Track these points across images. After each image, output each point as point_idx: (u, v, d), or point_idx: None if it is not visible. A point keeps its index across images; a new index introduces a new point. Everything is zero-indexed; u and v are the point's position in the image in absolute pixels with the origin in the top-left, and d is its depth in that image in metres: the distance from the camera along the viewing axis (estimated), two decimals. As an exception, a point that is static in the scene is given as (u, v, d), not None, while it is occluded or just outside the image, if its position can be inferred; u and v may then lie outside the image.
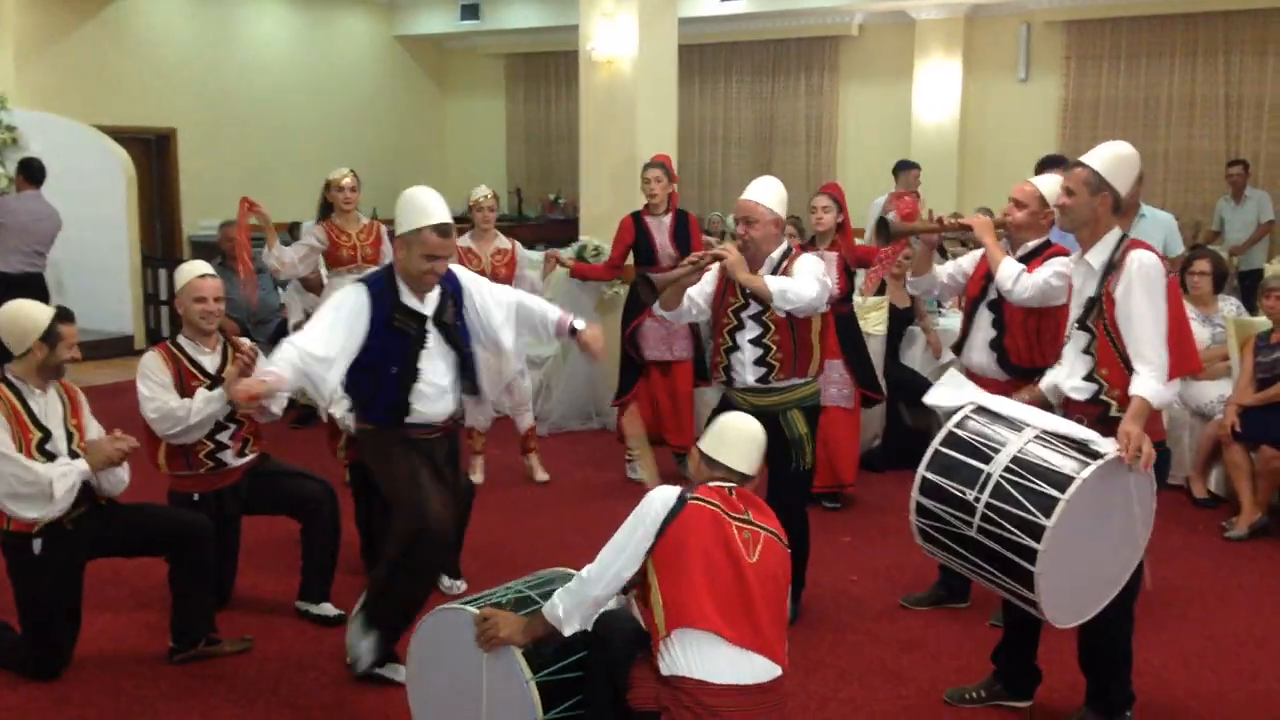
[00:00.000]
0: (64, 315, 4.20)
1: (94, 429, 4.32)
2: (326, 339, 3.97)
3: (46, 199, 9.12)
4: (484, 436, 6.86)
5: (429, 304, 4.16)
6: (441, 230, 4.02)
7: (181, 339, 4.64)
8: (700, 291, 4.58)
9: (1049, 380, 3.88)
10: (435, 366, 4.18)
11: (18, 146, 10.66)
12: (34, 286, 8.58)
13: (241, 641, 4.43)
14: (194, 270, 4.65)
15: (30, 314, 4.16)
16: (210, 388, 4.53)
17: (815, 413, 4.64)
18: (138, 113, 12.42)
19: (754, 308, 4.46)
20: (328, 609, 4.69)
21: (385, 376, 4.09)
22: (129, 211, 11.01)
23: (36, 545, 4.07)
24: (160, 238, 12.94)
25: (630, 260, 6.88)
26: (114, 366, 9.40)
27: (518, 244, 6.92)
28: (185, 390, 4.50)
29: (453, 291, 4.25)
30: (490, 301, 4.34)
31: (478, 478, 6.54)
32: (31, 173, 9.09)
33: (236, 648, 4.39)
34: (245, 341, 4.79)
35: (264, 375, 3.89)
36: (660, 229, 6.71)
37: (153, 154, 12.85)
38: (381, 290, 4.09)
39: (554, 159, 15.89)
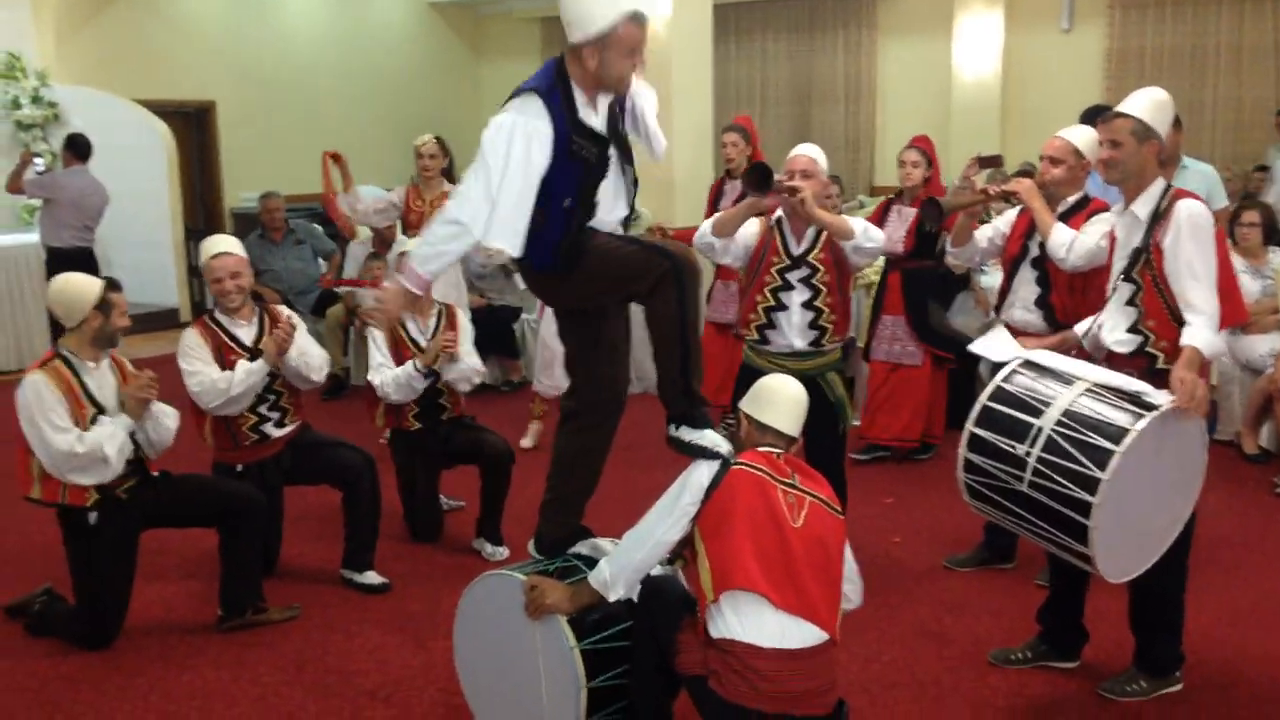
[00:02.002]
0: (113, 284, 4.25)
1: None
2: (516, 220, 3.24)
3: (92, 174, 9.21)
4: (545, 403, 6.83)
5: (602, 117, 3.35)
6: (639, 20, 3.21)
7: (218, 313, 4.68)
8: (743, 237, 4.53)
9: (1082, 327, 3.84)
10: (612, 198, 3.44)
11: (60, 122, 10.76)
12: (85, 261, 8.70)
13: (289, 610, 4.48)
14: (209, 250, 4.65)
15: (81, 285, 4.20)
16: (249, 359, 4.57)
17: (845, 372, 4.67)
18: (177, 86, 12.48)
19: (804, 269, 4.43)
20: (372, 577, 4.73)
21: (553, 213, 3.30)
22: (170, 185, 11.10)
23: (92, 517, 4.13)
24: (202, 210, 13.04)
25: None
26: (160, 339, 9.50)
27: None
28: (224, 363, 4.55)
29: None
30: (641, 92, 3.49)
31: (529, 442, 6.57)
32: (78, 148, 9.18)
33: (284, 616, 4.45)
34: (284, 311, 4.81)
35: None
36: (733, 192, 6.68)
37: (193, 127, 12.92)
38: (558, 106, 3.23)
39: (590, 123, 15.82)
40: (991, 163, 6.09)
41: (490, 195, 3.17)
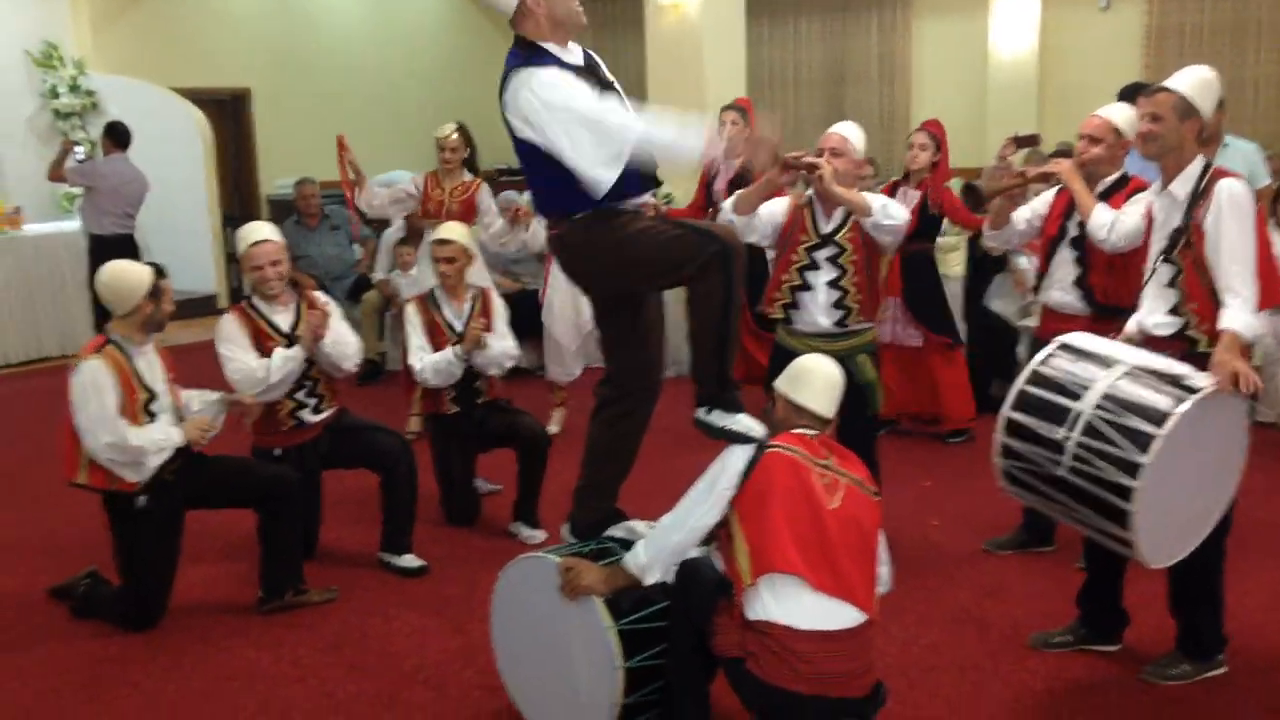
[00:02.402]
0: (161, 271, 4.31)
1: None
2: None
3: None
4: (564, 390, 6.85)
5: (579, 58, 3.45)
6: None
7: (255, 299, 4.71)
8: (769, 215, 4.51)
9: (1134, 323, 3.80)
10: None
11: (97, 111, 10.88)
12: (126, 247, 8.81)
13: (328, 592, 4.52)
14: (247, 238, 4.67)
15: (134, 273, 4.25)
16: (287, 346, 4.60)
17: (877, 355, 4.62)
18: (213, 74, 12.54)
19: (830, 248, 4.41)
20: (410, 560, 4.76)
21: None
22: (207, 172, 11.20)
23: (141, 500, 4.19)
24: (238, 197, 13.14)
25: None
26: (198, 326, 9.56)
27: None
28: (263, 350, 4.58)
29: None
30: None
31: (555, 428, 6.57)
32: (118, 136, 9.27)
33: (323, 598, 4.48)
34: (320, 296, 4.84)
35: None
36: (727, 171, 6.63)
37: (228, 115, 13.00)
38: (551, 59, 3.32)
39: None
40: (1028, 142, 6.02)
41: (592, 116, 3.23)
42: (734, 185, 6.52)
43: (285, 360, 4.54)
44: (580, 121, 3.23)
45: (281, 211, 10.91)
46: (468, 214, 6.58)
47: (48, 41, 10.77)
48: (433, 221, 6.57)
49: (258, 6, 13.03)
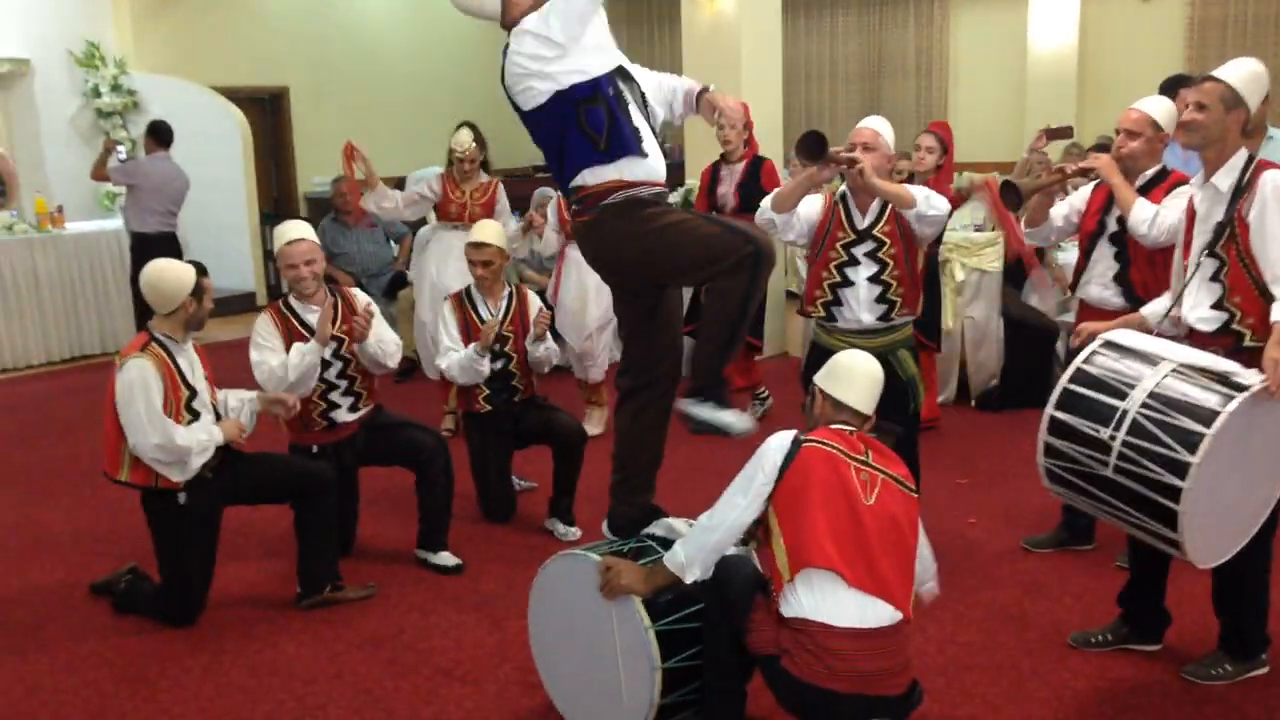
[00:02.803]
0: (202, 270, 4.34)
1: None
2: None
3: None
4: (592, 388, 6.85)
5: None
6: None
7: (291, 299, 4.74)
8: (806, 213, 4.48)
9: (1151, 309, 3.75)
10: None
11: (138, 110, 11.00)
12: (169, 245, 8.91)
13: (365, 588, 4.54)
14: (283, 236, 4.70)
15: (177, 272, 4.28)
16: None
17: (916, 351, 4.58)
18: (251, 73, 12.64)
19: (869, 243, 4.38)
20: (446, 558, 4.78)
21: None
22: (246, 171, 11.28)
23: (181, 497, 4.23)
24: (276, 195, 13.23)
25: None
26: (236, 323, 9.66)
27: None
28: None
29: None
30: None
31: (596, 429, 6.50)
32: (160, 135, 9.36)
33: (360, 594, 4.51)
34: (362, 299, 4.84)
35: None
36: (730, 176, 6.61)
37: (266, 113, 13.10)
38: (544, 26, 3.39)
39: (659, 102, 15.78)
40: (1061, 134, 5.94)
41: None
42: (742, 189, 6.51)
43: (302, 356, 4.55)
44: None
45: (317, 208, 10.98)
46: (489, 215, 6.63)
47: (90, 41, 10.90)
48: (453, 224, 6.63)
49: (296, 6, 13.12)
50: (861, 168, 4.20)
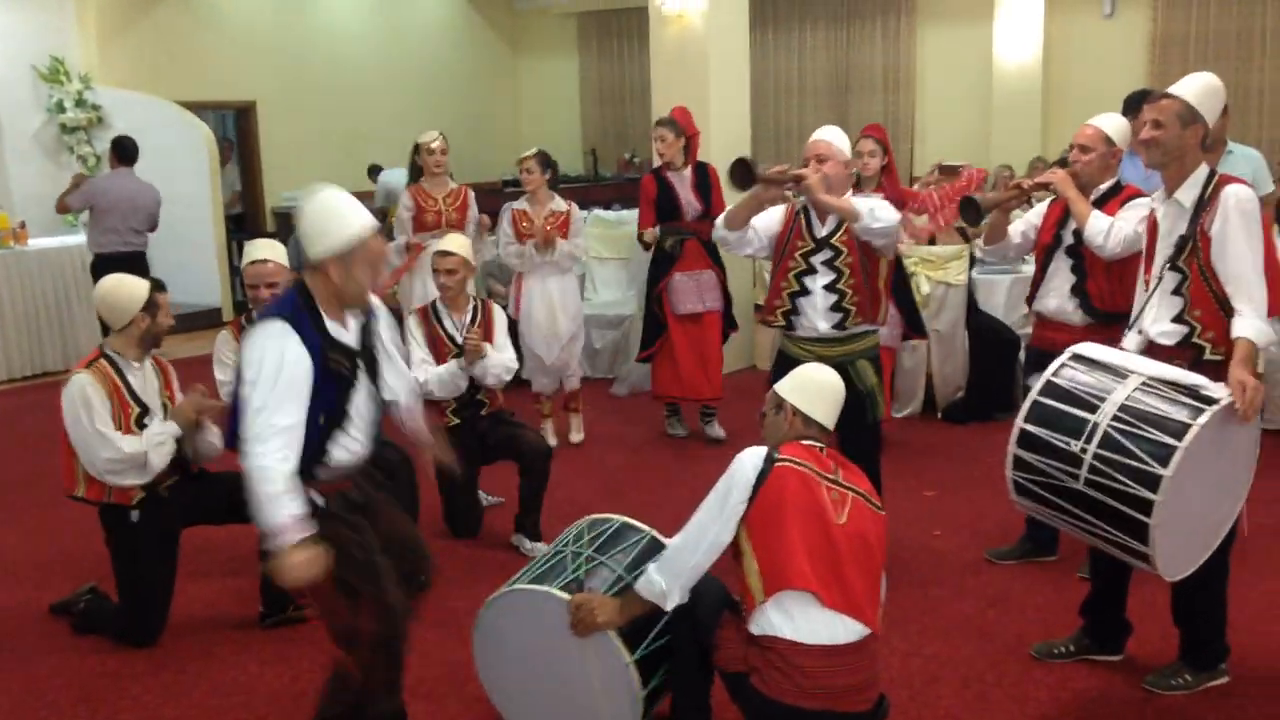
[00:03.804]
0: (158, 285, 4.30)
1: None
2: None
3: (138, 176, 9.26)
4: (551, 401, 6.85)
5: (353, 333, 3.23)
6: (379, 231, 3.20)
7: (255, 314, 4.70)
8: (764, 226, 4.51)
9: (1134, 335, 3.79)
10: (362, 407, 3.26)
11: (104, 125, 10.91)
12: (134, 264, 8.63)
13: (298, 610, 4.42)
14: (249, 255, 4.63)
15: (128, 287, 4.24)
16: None
17: (878, 362, 4.58)
18: (218, 87, 12.59)
19: (826, 252, 4.40)
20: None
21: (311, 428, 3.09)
22: (213, 185, 11.21)
23: (134, 515, 4.18)
24: (245, 210, 13.17)
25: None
26: (201, 339, 9.56)
27: (574, 205, 6.80)
28: None
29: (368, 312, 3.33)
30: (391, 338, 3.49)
31: (552, 441, 6.55)
32: (123, 151, 9.12)
33: (295, 617, 4.40)
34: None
35: None
36: (682, 183, 6.62)
37: (234, 127, 13.04)
38: (306, 325, 3.07)
39: (628, 117, 15.82)
40: (952, 171, 6.07)
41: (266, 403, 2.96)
42: (698, 189, 6.54)
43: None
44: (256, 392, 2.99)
45: (287, 224, 10.93)
46: (464, 219, 6.72)
47: (54, 56, 10.80)
48: (433, 233, 6.59)
49: (263, 20, 13.09)
50: (806, 183, 4.24)
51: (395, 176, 11.04)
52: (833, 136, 4.48)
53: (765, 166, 4.29)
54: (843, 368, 4.00)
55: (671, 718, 3.28)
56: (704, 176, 6.64)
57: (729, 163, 4.28)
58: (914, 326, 6.49)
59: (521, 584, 3.40)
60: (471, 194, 6.98)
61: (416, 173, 6.84)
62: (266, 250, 4.64)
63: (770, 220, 4.52)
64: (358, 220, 3.07)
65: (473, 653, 3.55)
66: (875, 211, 4.29)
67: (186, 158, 11.00)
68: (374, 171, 12.65)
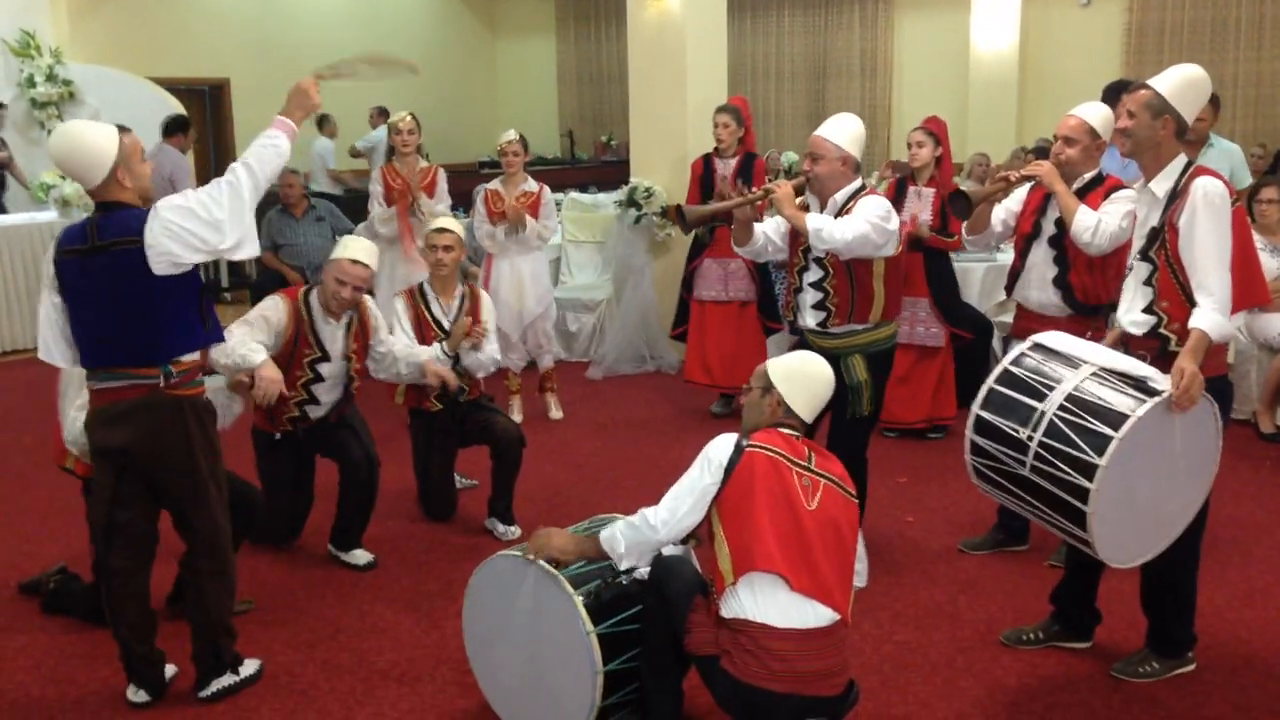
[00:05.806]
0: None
1: None
2: None
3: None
4: (519, 377, 6.99)
5: None
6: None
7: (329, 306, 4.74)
8: (776, 229, 4.54)
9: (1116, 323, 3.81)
10: None
11: (75, 100, 10.78)
12: None
13: (243, 604, 4.30)
14: (350, 251, 4.69)
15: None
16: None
17: (881, 359, 4.48)
18: (191, 64, 12.48)
19: (818, 249, 4.41)
20: (359, 555, 4.80)
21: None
22: (187, 163, 11.09)
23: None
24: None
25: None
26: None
27: (544, 187, 6.95)
28: None
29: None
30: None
31: (517, 417, 6.63)
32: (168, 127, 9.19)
33: (242, 608, 4.28)
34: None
35: None
36: (726, 169, 6.79)
37: (207, 105, 12.92)
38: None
39: (606, 100, 15.79)
40: (900, 168, 6.10)
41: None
42: (737, 177, 6.60)
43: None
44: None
45: (263, 200, 10.82)
46: (433, 199, 6.93)
47: (25, 30, 10.66)
48: (395, 205, 6.81)
49: (238, -4, 12.96)
50: (774, 198, 4.32)
51: (322, 145, 11.34)
52: (829, 132, 4.41)
53: (716, 197, 4.38)
54: (836, 360, 4.00)
55: (642, 702, 3.29)
56: (748, 166, 6.74)
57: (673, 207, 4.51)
58: (955, 324, 6.33)
59: (503, 553, 3.47)
60: (443, 174, 7.08)
61: (391, 151, 7.03)
62: (367, 256, 4.69)
63: (780, 222, 4.53)
64: (102, 134, 3.62)
65: (463, 625, 3.59)
66: (821, 233, 4.22)
67: (158, 134, 10.87)
68: (355, 155, 12.58)
